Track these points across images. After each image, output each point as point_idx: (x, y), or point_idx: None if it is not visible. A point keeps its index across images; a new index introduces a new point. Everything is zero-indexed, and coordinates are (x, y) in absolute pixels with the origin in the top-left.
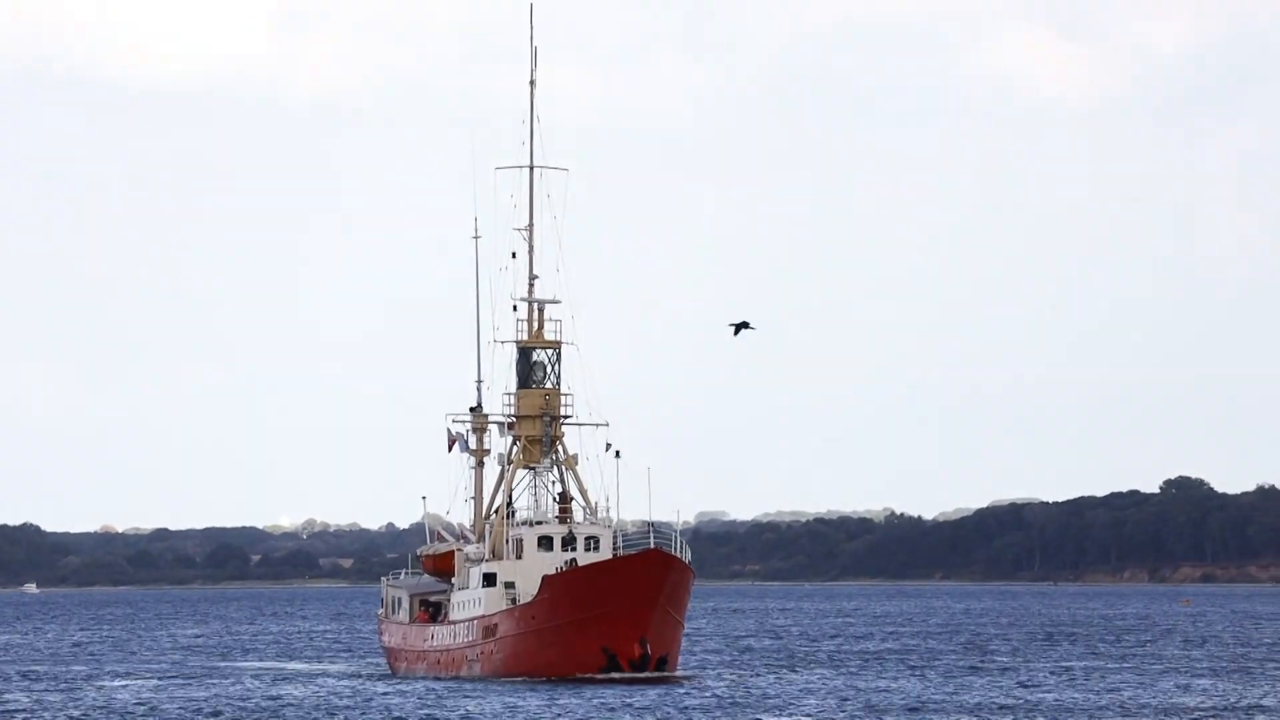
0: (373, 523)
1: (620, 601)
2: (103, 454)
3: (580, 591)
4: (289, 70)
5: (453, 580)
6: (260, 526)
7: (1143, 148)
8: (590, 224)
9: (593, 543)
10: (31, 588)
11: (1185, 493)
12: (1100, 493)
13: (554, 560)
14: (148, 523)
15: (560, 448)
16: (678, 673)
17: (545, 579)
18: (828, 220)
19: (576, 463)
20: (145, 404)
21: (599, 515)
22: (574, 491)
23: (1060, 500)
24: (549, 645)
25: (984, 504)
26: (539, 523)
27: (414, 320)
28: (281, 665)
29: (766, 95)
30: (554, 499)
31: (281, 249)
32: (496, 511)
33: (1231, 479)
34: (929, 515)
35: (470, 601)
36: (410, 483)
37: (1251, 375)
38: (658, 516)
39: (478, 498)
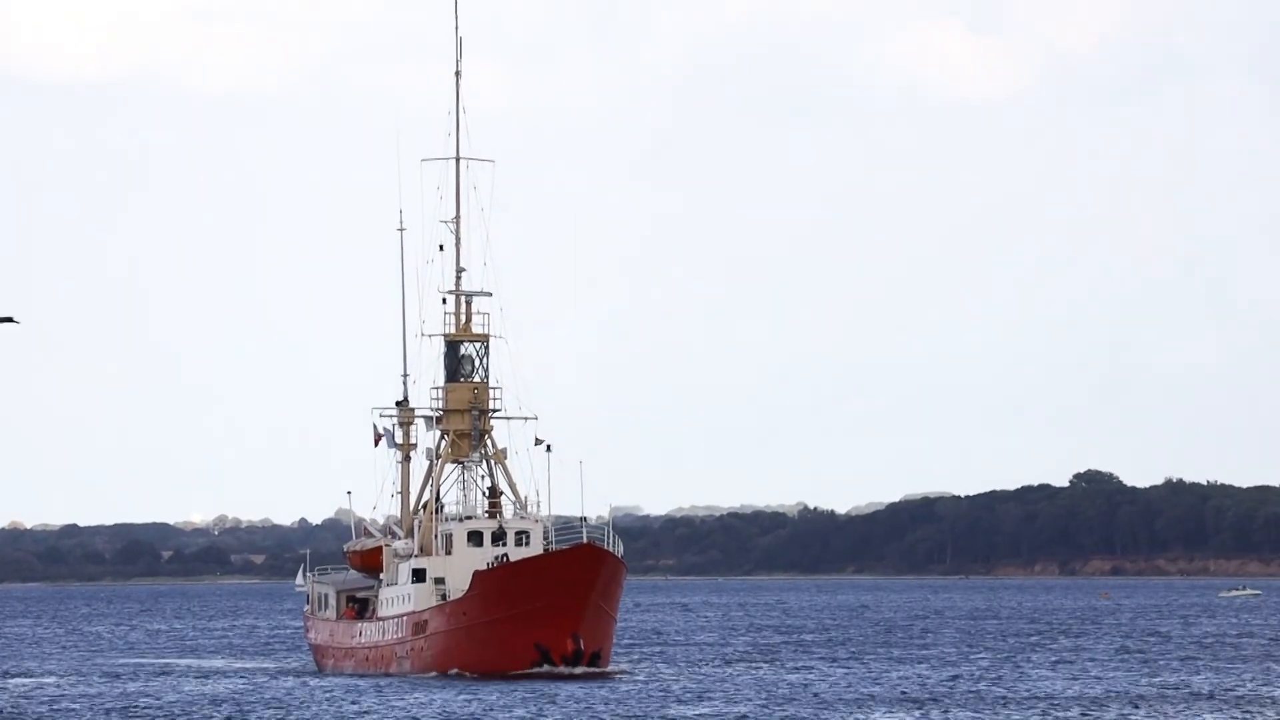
0: (285, 518)
1: (553, 597)
2: (10, 449)
3: (512, 587)
4: (208, 63)
5: (381, 576)
6: (171, 522)
7: (1051, 141)
8: (517, 216)
9: (523, 537)
10: None
11: (1095, 486)
12: (1011, 486)
13: (484, 555)
14: (57, 519)
15: (489, 441)
16: (610, 668)
17: (476, 574)
18: (743, 214)
19: (506, 456)
20: (55, 397)
21: (529, 510)
22: (504, 486)
23: (971, 494)
24: (481, 641)
25: (896, 498)
26: (468, 518)
27: (336, 314)
28: (205, 663)
29: (692, 86)
30: (483, 494)
31: (201, 242)
32: (425, 507)
33: (1140, 473)
34: (842, 509)
35: (399, 598)
36: (324, 478)
37: (1160, 369)
38: (588, 511)
39: (404, 493)
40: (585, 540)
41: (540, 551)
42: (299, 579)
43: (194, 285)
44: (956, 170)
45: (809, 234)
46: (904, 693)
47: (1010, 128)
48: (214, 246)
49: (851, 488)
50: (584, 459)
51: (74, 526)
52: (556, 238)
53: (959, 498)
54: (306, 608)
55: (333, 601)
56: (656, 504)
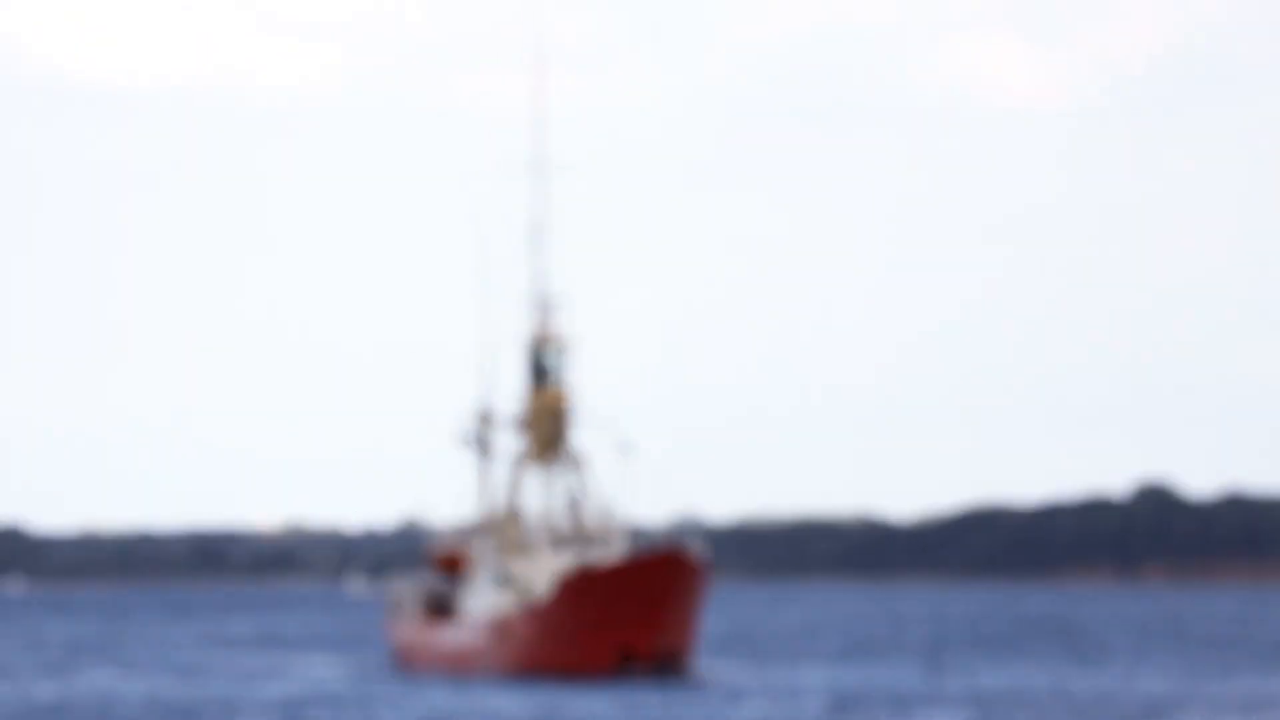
0: (353, 523)
1: (637, 601)
2: (85, 452)
3: (596, 591)
4: (284, 70)
5: (462, 579)
6: (241, 527)
7: (1114, 151)
8: (599, 221)
9: (605, 542)
10: (13, 585)
11: (1155, 494)
12: (1071, 495)
13: (566, 559)
14: (129, 523)
15: (570, 446)
16: (693, 672)
17: (560, 578)
18: (816, 219)
19: (586, 461)
20: (128, 400)
21: (610, 514)
22: (585, 490)
23: (1030, 502)
24: (563, 645)
25: (956, 506)
26: (550, 522)
27: (412, 318)
28: (286, 664)
29: (775, 92)
30: (565, 498)
31: (274, 245)
32: (506, 511)
33: (1202, 481)
34: (900, 517)
35: (482, 601)
36: (393, 483)
37: (1222, 377)
38: (668, 517)
39: (486, 497)
40: (670, 545)
41: (623, 555)
42: (352, 584)
43: (268, 288)
44: (1012, 178)
45: (864, 240)
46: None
47: (1069, 135)
48: (288, 249)
49: (910, 495)
50: (659, 463)
51: (145, 530)
52: (639, 241)
53: (1017, 507)
54: (388, 610)
55: (414, 604)
56: (718, 510)
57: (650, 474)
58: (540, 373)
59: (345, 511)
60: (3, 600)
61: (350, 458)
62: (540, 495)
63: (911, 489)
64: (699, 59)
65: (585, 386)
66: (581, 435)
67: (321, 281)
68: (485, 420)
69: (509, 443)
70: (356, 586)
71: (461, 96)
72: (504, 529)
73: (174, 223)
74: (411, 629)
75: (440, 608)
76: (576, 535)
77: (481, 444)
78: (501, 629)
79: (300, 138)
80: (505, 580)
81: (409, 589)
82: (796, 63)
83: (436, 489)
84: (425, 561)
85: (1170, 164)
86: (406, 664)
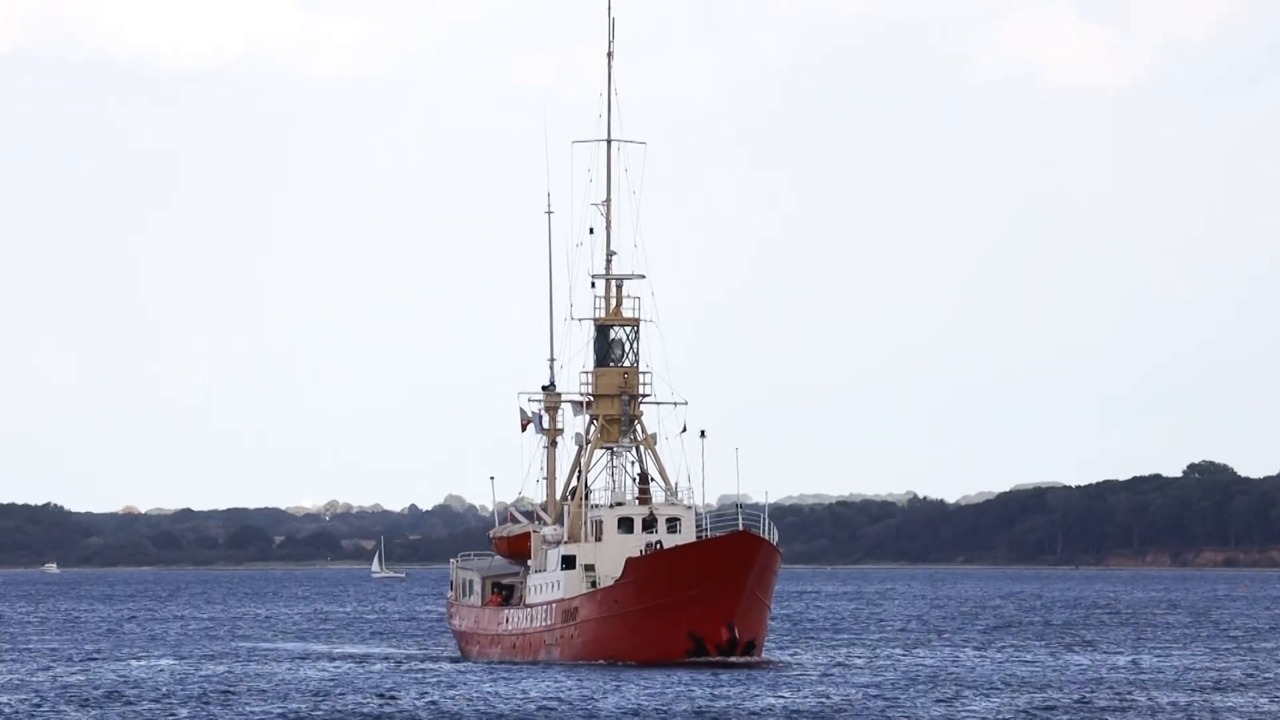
0: (395, 504)
1: (708, 585)
2: (126, 434)
3: (666, 574)
4: (353, 46)
5: (528, 563)
6: (283, 507)
7: (1169, 132)
8: (669, 199)
9: (675, 524)
10: (52, 567)
11: (1208, 477)
12: (1123, 476)
13: (634, 542)
14: (171, 503)
15: (639, 427)
16: (764, 656)
17: (629, 561)
18: (873, 198)
19: (655, 442)
20: (170, 384)
21: (679, 496)
22: (653, 472)
23: (1083, 484)
24: (633, 629)
25: (1007, 487)
26: (619, 504)
27: (478, 299)
28: (348, 648)
29: (835, 71)
30: (633, 480)
31: (339, 223)
32: (573, 493)
33: (1255, 463)
34: (951, 499)
35: (548, 584)
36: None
37: (1276, 359)
38: (736, 496)
39: (551, 479)
40: (741, 527)
41: (692, 539)
42: (374, 565)
43: (315, 270)
44: (1069, 158)
45: (921, 222)
46: None
47: (1127, 115)
48: (354, 228)
49: (961, 477)
50: (721, 444)
51: (187, 511)
52: (709, 220)
53: (1070, 487)
54: (450, 594)
55: (478, 588)
56: (764, 492)
57: (716, 455)
58: (609, 353)
59: (387, 493)
60: (43, 581)
61: (394, 440)
62: (607, 477)
63: (963, 471)
64: (764, 38)
65: (656, 367)
66: (650, 416)
67: (375, 263)
68: (551, 401)
69: (575, 424)
70: (378, 568)
71: (529, 75)
72: (571, 512)
73: (222, 204)
74: (475, 613)
75: (505, 592)
76: (645, 517)
77: (547, 425)
78: (569, 613)
79: (366, 115)
80: (572, 564)
81: (472, 573)
82: (856, 41)
83: (487, 471)
84: (471, 544)
85: (1227, 143)
86: (470, 648)
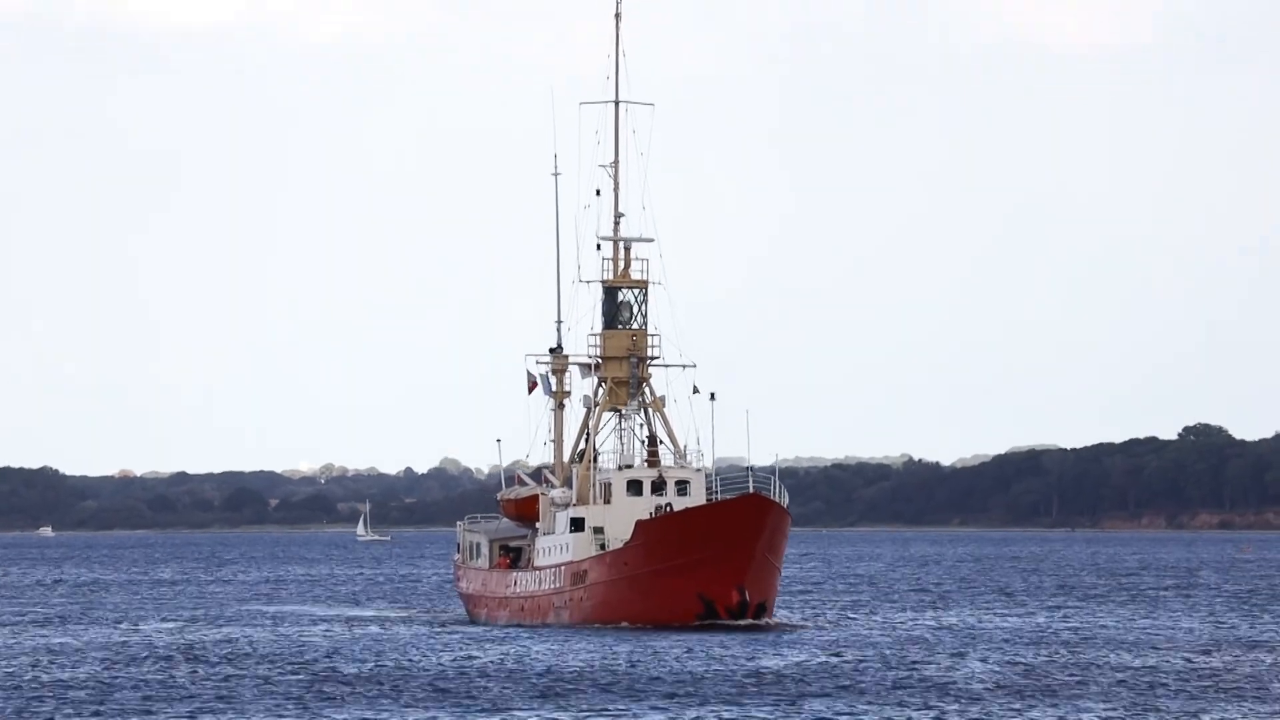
0: (391, 467)
1: (718, 547)
2: (122, 398)
3: (676, 537)
4: (358, 7)
5: (536, 525)
6: (278, 471)
7: (1165, 96)
8: (676, 161)
9: (684, 487)
10: (47, 531)
11: (1204, 439)
12: (1119, 439)
13: (643, 505)
14: (166, 467)
15: (647, 389)
16: (774, 620)
17: (639, 524)
18: (872, 164)
19: (664, 405)
20: (165, 348)
21: (688, 458)
22: (662, 434)
23: (1078, 447)
24: (643, 592)
25: (1002, 450)
26: (627, 466)
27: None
28: (355, 611)
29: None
30: (641, 442)
31: (344, 186)
32: (581, 456)
33: (1251, 426)
34: (947, 461)
35: (557, 547)
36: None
37: (1271, 322)
38: (754, 458)
39: (558, 441)
40: (752, 490)
41: (701, 501)
42: (360, 529)
43: (329, 232)
44: (1069, 121)
45: (923, 186)
46: None
47: (1121, 80)
48: (358, 191)
49: (957, 439)
50: (726, 407)
51: (183, 474)
52: (717, 182)
53: (1065, 450)
54: (457, 556)
55: (485, 550)
56: (759, 454)
57: (722, 417)
58: (617, 315)
59: (382, 456)
60: (39, 544)
61: (391, 403)
62: (616, 440)
63: (958, 433)
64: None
65: (664, 329)
66: (659, 379)
67: (378, 227)
68: (559, 364)
69: (582, 386)
70: (364, 531)
71: (537, 37)
72: (580, 474)
73: (219, 167)
74: (483, 576)
75: (512, 555)
76: (654, 480)
77: (555, 387)
78: (578, 576)
79: (371, 77)
80: (581, 526)
81: (479, 535)
82: (856, 7)
83: (485, 434)
84: (467, 508)
85: (1220, 108)
86: (478, 611)
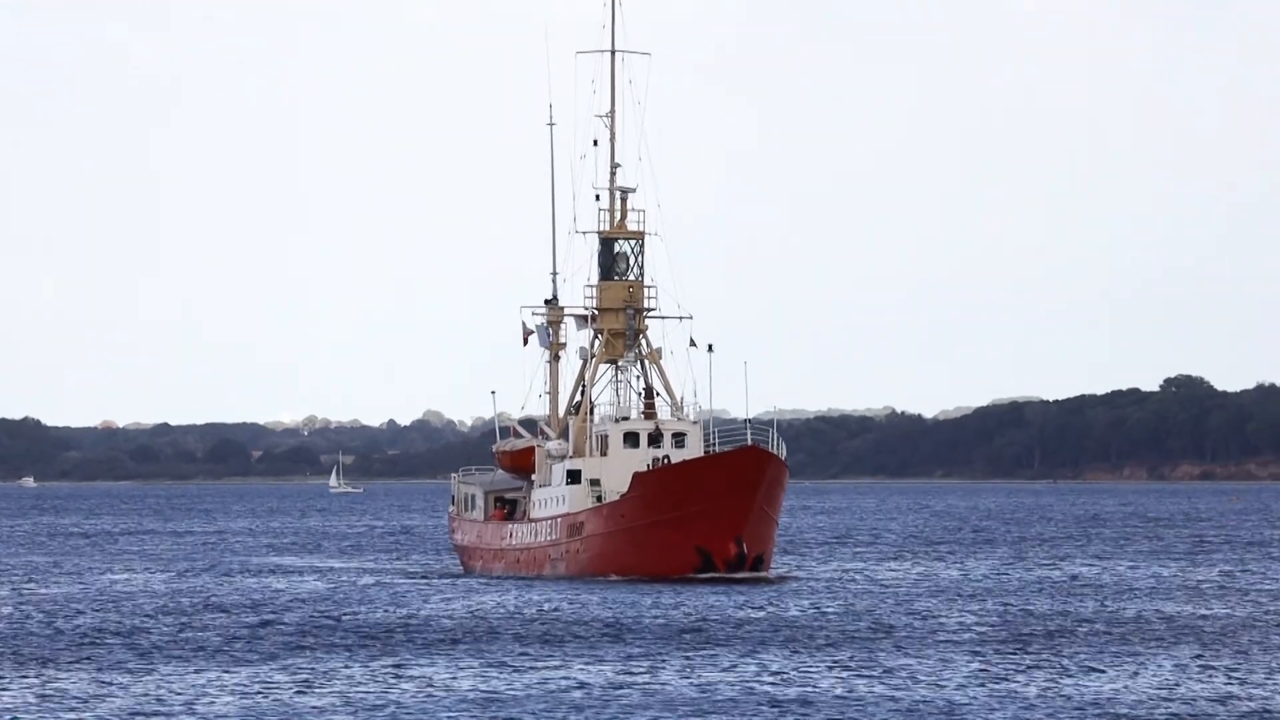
0: (374, 419)
1: (716, 499)
2: (105, 349)
3: (674, 489)
4: None
5: (531, 477)
6: (261, 422)
7: (1140, 51)
8: (674, 110)
9: (680, 439)
10: (29, 481)
11: (1185, 391)
12: (1101, 391)
13: (640, 457)
14: (149, 418)
15: (644, 341)
16: (772, 572)
17: (636, 476)
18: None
19: (661, 357)
20: (148, 298)
21: (684, 411)
22: (658, 387)
23: (1061, 398)
24: (640, 544)
25: (984, 402)
26: (624, 419)
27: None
28: (350, 563)
29: None
30: (638, 394)
31: (336, 133)
32: (577, 408)
33: (1232, 377)
34: (929, 413)
35: (553, 499)
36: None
37: (1252, 273)
38: (736, 410)
39: (554, 393)
40: (750, 442)
41: (698, 454)
42: (332, 480)
43: (316, 180)
44: (1037, 79)
45: (903, 135)
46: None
47: (1094, 35)
48: (348, 139)
49: (939, 392)
50: (718, 359)
51: (165, 426)
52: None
53: (1047, 402)
54: (451, 508)
55: (480, 502)
56: (741, 407)
57: (724, 369)
58: (613, 266)
59: (365, 409)
60: (20, 494)
61: (375, 355)
62: (612, 392)
63: (940, 386)
64: None
65: (661, 280)
66: (655, 331)
67: (367, 174)
68: (554, 315)
69: (578, 338)
70: (336, 482)
71: None
72: (576, 426)
73: (212, 121)
74: (478, 528)
75: (508, 507)
76: (651, 432)
77: (550, 339)
78: (575, 528)
79: (366, 25)
80: (578, 479)
81: (474, 487)
82: None
83: (477, 385)
84: (450, 460)
85: (1197, 64)
86: (472, 563)
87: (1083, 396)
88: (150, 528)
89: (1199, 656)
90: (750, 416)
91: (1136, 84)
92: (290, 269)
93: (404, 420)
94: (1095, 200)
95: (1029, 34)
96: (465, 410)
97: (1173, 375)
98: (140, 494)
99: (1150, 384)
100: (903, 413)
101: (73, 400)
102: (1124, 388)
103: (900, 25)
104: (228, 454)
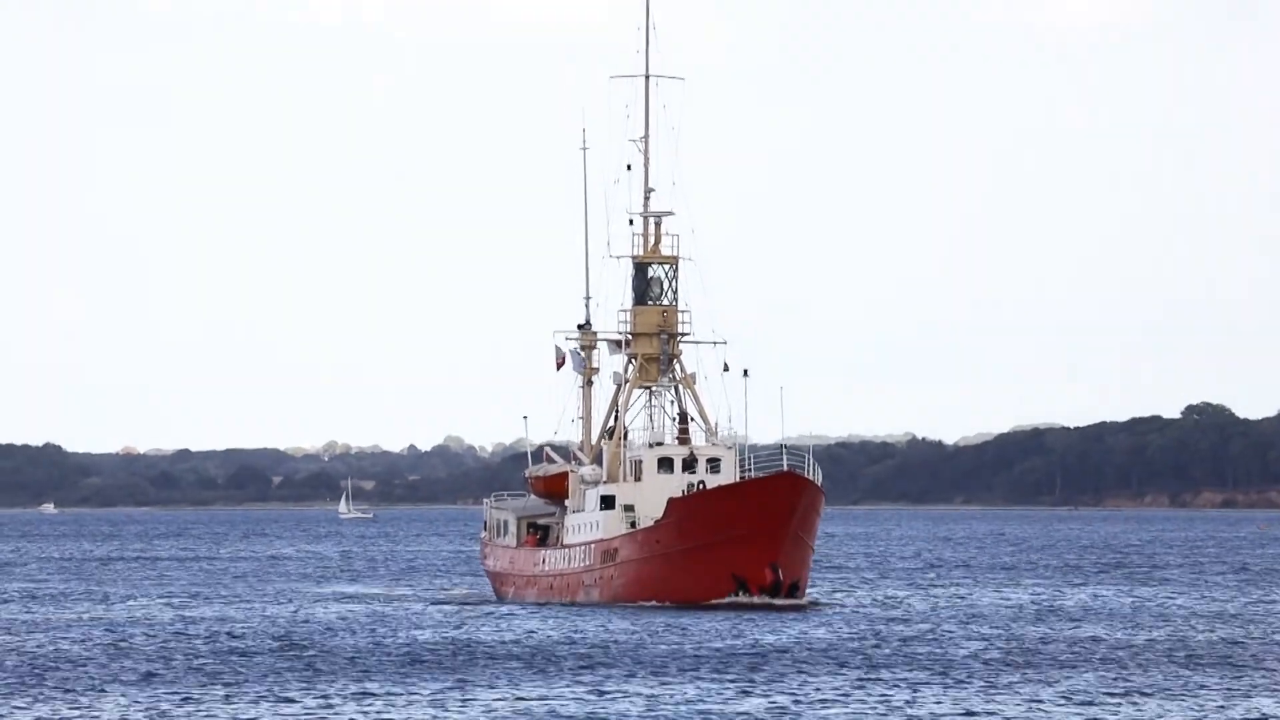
0: (394, 444)
1: (752, 525)
2: (125, 375)
3: (709, 514)
4: None
5: (565, 503)
6: (282, 448)
7: (1158, 72)
8: (707, 135)
9: (715, 465)
10: (49, 507)
11: (1207, 418)
12: (1122, 418)
13: (675, 483)
14: (169, 444)
15: (678, 366)
16: (807, 598)
17: (672, 501)
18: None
19: (695, 381)
20: (168, 324)
21: (719, 436)
22: (693, 412)
23: (1082, 425)
24: (675, 570)
25: (1006, 429)
26: (658, 444)
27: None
28: (384, 590)
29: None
30: (672, 420)
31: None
32: (611, 433)
33: (1254, 404)
34: (950, 440)
35: (587, 525)
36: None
37: (1275, 301)
38: (758, 436)
39: (586, 418)
40: (785, 467)
41: (732, 479)
42: (343, 505)
43: (343, 205)
44: (1063, 101)
45: (920, 165)
46: None
47: (1120, 58)
48: (378, 162)
49: (960, 418)
50: (756, 383)
51: (186, 451)
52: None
53: (1069, 429)
54: (484, 534)
55: (513, 528)
56: (762, 434)
57: (759, 395)
58: (647, 291)
59: (386, 434)
60: (41, 521)
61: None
62: (646, 417)
63: (961, 412)
64: None
65: (695, 305)
66: (690, 356)
67: (397, 199)
68: (587, 340)
69: (611, 363)
70: (346, 508)
71: (567, 9)
72: (610, 452)
73: (227, 141)
74: (510, 554)
75: (540, 532)
76: (686, 457)
77: (583, 364)
78: (609, 554)
79: (401, 47)
80: (612, 504)
81: (507, 513)
82: None
83: (495, 411)
84: (470, 485)
85: (1222, 85)
86: (505, 589)
87: (1104, 423)
88: (214, 552)
89: None
90: (768, 443)
91: (1161, 109)
92: (313, 295)
93: (424, 445)
94: (1117, 227)
95: (1058, 59)
96: (485, 435)
97: (1194, 402)
98: (167, 519)
99: (1172, 411)
100: (924, 439)
101: (93, 426)
102: (1145, 414)
103: (936, 51)
104: (248, 480)
